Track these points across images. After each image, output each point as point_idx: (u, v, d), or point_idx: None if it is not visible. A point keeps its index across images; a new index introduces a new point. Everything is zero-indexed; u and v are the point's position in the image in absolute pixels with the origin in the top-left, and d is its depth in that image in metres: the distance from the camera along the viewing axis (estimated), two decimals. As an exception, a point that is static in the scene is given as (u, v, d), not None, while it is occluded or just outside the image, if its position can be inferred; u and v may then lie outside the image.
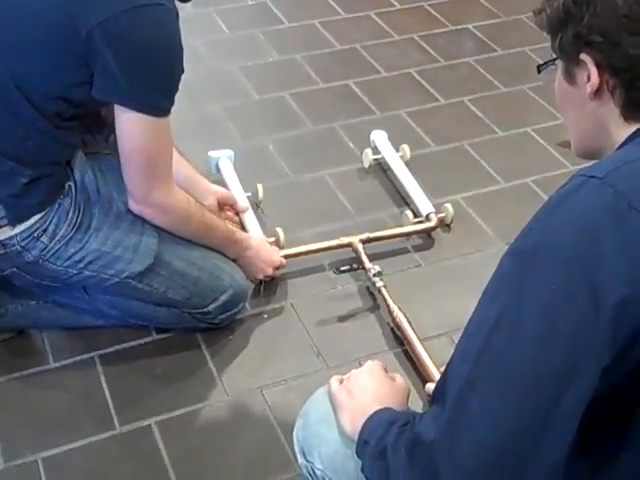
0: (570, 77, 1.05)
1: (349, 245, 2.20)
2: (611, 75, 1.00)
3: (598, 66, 1.00)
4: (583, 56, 1.01)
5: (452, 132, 2.69)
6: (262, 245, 2.09)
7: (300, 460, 1.29)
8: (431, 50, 3.15)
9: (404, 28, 3.28)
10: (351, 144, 2.65)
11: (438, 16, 3.35)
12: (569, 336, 0.87)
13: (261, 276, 2.07)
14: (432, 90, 2.93)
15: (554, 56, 1.08)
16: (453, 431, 0.89)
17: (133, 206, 1.77)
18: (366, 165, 2.54)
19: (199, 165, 2.51)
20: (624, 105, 1.01)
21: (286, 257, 2.17)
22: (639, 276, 0.87)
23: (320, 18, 3.33)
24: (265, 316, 2.07)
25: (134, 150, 1.70)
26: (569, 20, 1.02)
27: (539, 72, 1.12)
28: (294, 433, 1.32)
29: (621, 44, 0.98)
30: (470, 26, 3.27)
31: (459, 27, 3.26)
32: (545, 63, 1.10)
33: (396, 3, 3.45)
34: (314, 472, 1.25)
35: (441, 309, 2.09)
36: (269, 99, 2.87)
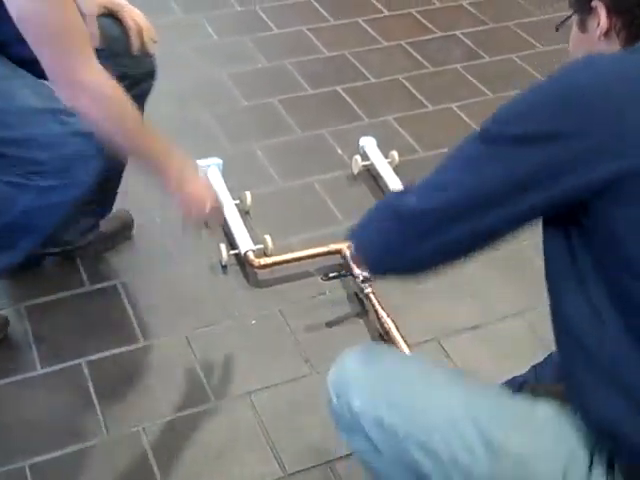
0: (583, 26, 1.21)
1: (338, 252, 2.21)
2: (617, 17, 1.15)
3: (607, 10, 1.15)
4: (595, 2, 1.16)
5: (440, 138, 2.70)
6: (198, 180, 1.82)
7: (335, 402, 1.24)
8: (419, 57, 3.16)
9: (392, 35, 3.29)
10: (340, 150, 2.66)
11: (426, 23, 3.36)
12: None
13: (197, 217, 1.79)
14: (420, 96, 2.94)
15: (570, 14, 1.23)
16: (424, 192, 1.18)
17: (59, 93, 1.61)
18: (355, 171, 2.55)
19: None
20: (626, 41, 1.16)
21: (274, 264, 2.17)
22: None
23: (309, 25, 3.34)
24: (253, 322, 2.08)
25: (25, 19, 1.54)
26: None
27: (557, 30, 1.28)
28: (328, 379, 1.27)
29: None
30: (458, 33, 3.29)
31: (447, 34, 3.28)
32: (562, 21, 1.25)
33: (384, 10, 3.46)
34: (350, 409, 1.21)
35: (429, 315, 2.10)
36: (258, 105, 2.87)
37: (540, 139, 1.04)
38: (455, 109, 2.85)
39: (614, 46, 1.17)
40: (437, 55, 3.16)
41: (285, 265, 2.20)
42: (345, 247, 2.18)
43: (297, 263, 2.20)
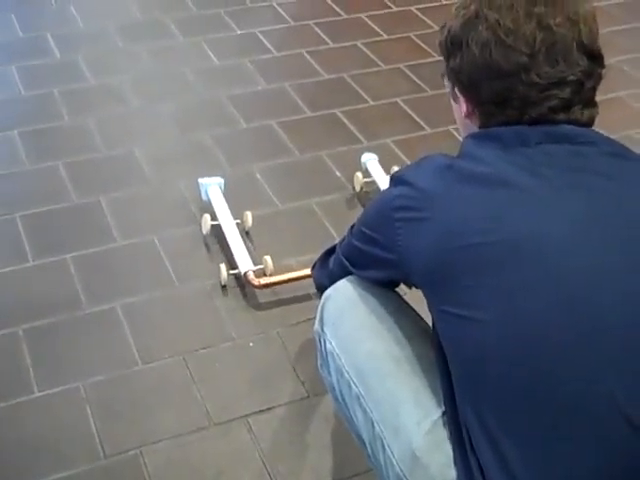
0: (453, 96, 1.35)
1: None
2: (475, 105, 1.28)
3: (467, 97, 1.29)
4: (457, 88, 1.31)
5: (438, 161, 2.71)
6: None
7: (316, 326, 1.51)
8: (417, 80, 3.18)
9: (391, 58, 3.32)
10: (338, 173, 2.67)
11: (424, 46, 3.39)
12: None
13: None
14: (418, 119, 2.96)
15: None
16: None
17: None
18: (357, 188, 2.55)
19: (187, 191, 2.54)
20: (481, 126, 1.29)
21: (274, 284, 2.18)
22: None
23: (308, 47, 3.36)
24: (251, 344, 2.08)
25: None
26: (449, 55, 1.30)
27: (442, 78, 1.37)
28: (321, 299, 1.53)
29: (480, 87, 1.25)
30: (437, 43, 3.30)
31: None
32: (442, 77, 1.37)
33: (383, 33, 3.48)
34: (324, 343, 1.48)
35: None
36: (257, 127, 2.89)
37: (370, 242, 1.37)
38: (453, 132, 2.86)
39: (475, 127, 1.31)
40: (435, 78, 3.13)
41: (284, 287, 2.20)
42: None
43: (297, 285, 2.20)
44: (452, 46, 1.29)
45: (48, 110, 2.93)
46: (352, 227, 1.50)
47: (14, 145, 2.74)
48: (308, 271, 2.20)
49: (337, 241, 1.63)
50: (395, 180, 1.31)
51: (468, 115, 1.32)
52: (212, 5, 3.63)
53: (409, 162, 2.72)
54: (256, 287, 2.18)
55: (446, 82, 1.36)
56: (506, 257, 1.13)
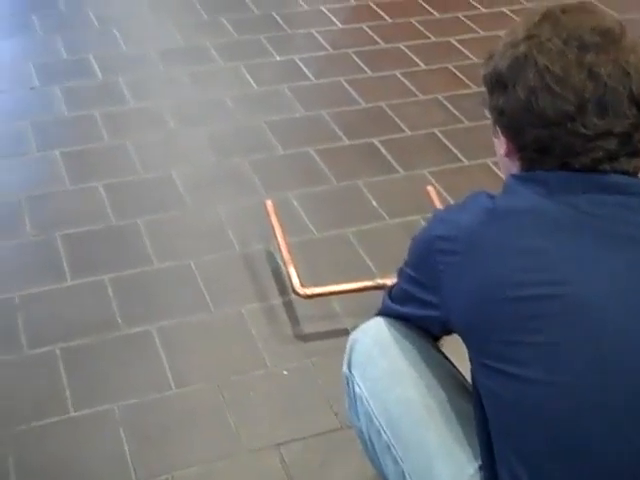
0: (494, 132, 1.31)
1: (383, 287, 2.20)
2: (516, 149, 1.25)
3: (508, 138, 1.26)
4: (498, 127, 1.27)
5: (475, 193, 2.71)
6: None
7: (344, 368, 1.51)
8: (455, 111, 3.19)
9: (429, 88, 3.33)
10: (375, 202, 2.68)
11: (463, 77, 3.40)
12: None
13: None
14: (455, 150, 2.96)
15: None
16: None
17: None
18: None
19: (223, 215, 2.56)
20: (521, 167, 1.27)
21: (319, 295, 2.20)
22: None
23: (346, 76, 3.38)
24: (285, 373, 2.08)
25: None
26: (492, 91, 1.27)
27: (483, 105, 1.34)
28: (350, 337, 1.53)
29: (523, 131, 1.22)
30: (481, 73, 3.31)
31: (483, 89, 3.30)
32: (483, 103, 1.33)
33: (421, 63, 3.50)
34: (353, 386, 1.47)
35: (462, 366, 2.08)
36: (294, 154, 2.91)
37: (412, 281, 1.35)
38: (491, 165, 2.86)
39: (514, 166, 1.28)
40: (473, 110, 3.18)
41: (320, 319, 2.20)
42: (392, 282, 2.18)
43: (330, 319, 2.21)
44: (497, 84, 1.26)
45: (89, 131, 2.97)
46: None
47: (56, 165, 2.78)
48: (353, 285, 2.22)
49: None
50: (438, 219, 1.31)
51: (508, 154, 1.29)
52: (252, 31, 3.67)
53: (445, 193, 2.73)
54: (302, 297, 2.19)
55: (486, 111, 1.34)
56: (549, 313, 1.11)
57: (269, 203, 2.45)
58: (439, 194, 2.62)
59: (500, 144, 1.31)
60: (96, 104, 3.11)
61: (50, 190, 2.68)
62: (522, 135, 1.23)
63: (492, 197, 1.25)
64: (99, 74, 3.29)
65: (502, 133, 1.28)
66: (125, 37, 3.56)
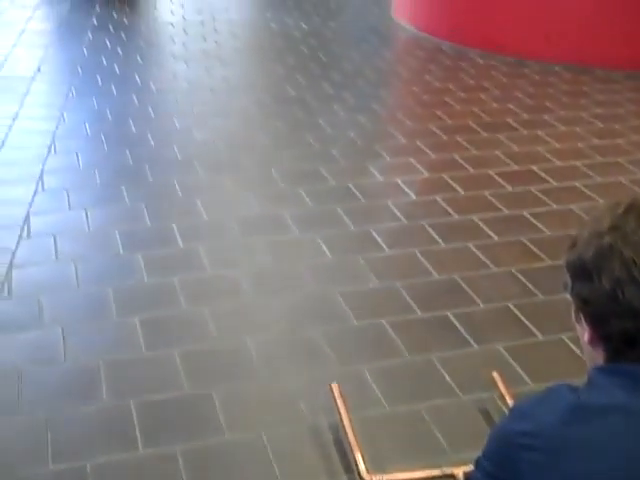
0: (576, 317, 1.26)
1: (451, 476, 2.15)
2: (601, 338, 1.21)
3: (592, 327, 1.22)
4: (582, 314, 1.23)
5: (551, 370, 2.66)
6: None
7: None
8: (529, 284, 3.18)
9: (502, 261, 3.35)
10: (448, 377, 2.65)
11: (536, 250, 3.41)
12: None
13: None
14: (530, 325, 2.94)
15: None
16: None
17: None
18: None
19: (296, 388, 2.55)
20: (605, 358, 1.22)
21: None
22: None
23: (420, 247, 3.44)
24: None
25: None
26: (576, 279, 1.24)
27: (564, 289, 1.30)
28: None
29: (609, 322, 1.18)
30: (564, 258, 3.31)
31: (558, 262, 3.30)
32: (565, 288, 1.28)
33: (494, 236, 3.54)
34: None
35: None
36: (367, 326, 2.92)
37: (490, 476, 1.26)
38: (567, 341, 2.82)
39: (598, 355, 1.24)
40: (548, 284, 3.17)
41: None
42: (460, 471, 2.12)
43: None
44: (581, 273, 1.24)
45: (167, 298, 3.06)
46: None
47: (134, 331, 2.85)
48: (421, 474, 2.17)
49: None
50: (518, 413, 1.29)
51: (592, 343, 1.26)
52: (329, 201, 3.79)
53: (520, 370, 2.69)
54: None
55: (568, 296, 1.30)
56: None
57: (335, 386, 2.43)
58: (511, 372, 2.59)
59: (583, 330, 1.28)
60: (176, 271, 3.21)
61: (127, 356, 2.74)
62: (607, 325, 1.21)
63: (574, 390, 1.22)
64: (180, 242, 3.42)
65: (586, 321, 1.25)
66: (206, 206, 3.71)
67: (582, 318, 1.26)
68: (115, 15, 6.90)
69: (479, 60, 5.86)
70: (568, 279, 1.29)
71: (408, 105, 5.09)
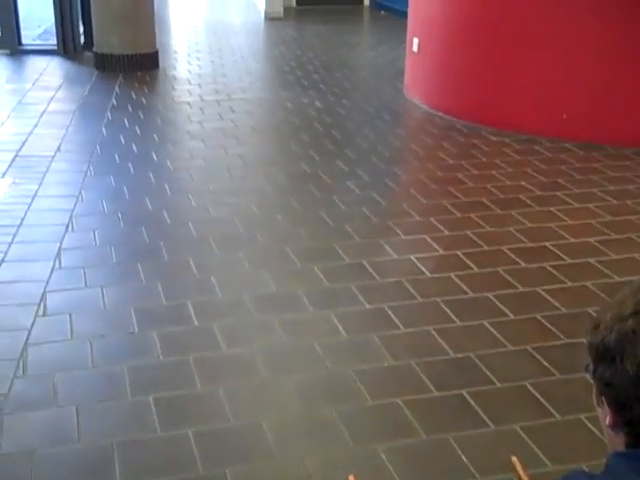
0: (598, 400, 1.24)
1: None
2: (623, 422, 1.20)
3: (613, 411, 1.20)
4: (604, 397, 1.21)
5: (570, 452, 2.63)
6: None
7: None
8: (546, 363, 3.16)
9: (518, 339, 3.33)
10: (465, 458, 2.62)
11: (552, 328, 3.39)
12: None
13: None
14: (547, 405, 2.91)
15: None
16: None
17: None
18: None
19: (310, 467, 2.52)
20: (627, 444, 1.20)
21: None
22: None
23: (435, 325, 3.43)
24: None
25: None
26: (598, 362, 1.22)
27: (586, 371, 1.28)
28: None
29: (632, 406, 1.17)
30: (585, 340, 3.29)
31: (574, 340, 3.29)
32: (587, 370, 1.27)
33: (510, 313, 3.53)
34: None
35: None
36: (383, 405, 2.90)
37: None
38: (585, 421, 2.79)
39: (619, 439, 1.23)
40: (564, 362, 3.15)
41: None
42: None
43: None
44: (603, 356, 1.23)
45: (182, 376, 3.05)
46: None
47: (148, 410, 2.84)
48: None
49: None
50: None
51: (613, 426, 1.24)
52: (343, 279, 3.80)
53: (538, 451, 2.66)
54: None
55: (590, 378, 1.29)
56: None
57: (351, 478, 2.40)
58: (528, 453, 2.55)
59: (604, 414, 1.26)
60: (190, 350, 3.21)
61: (141, 436, 2.72)
62: (630, 410, 1.20)
63: (592, 478, 1.21)
64: (195, 320, 3.43)
65: (607, 404, 1.24)
66: (221, 284, 3.73)
67: (604, 401, 1.26)
68: (134, 95, 7.06)
69: (492, 137, 5.94)
70: (590, 361, 1.29)
71: (422, 182, 5.14)
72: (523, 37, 5.86)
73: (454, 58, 6.34)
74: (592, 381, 1.29)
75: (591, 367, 1.28)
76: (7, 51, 8.47)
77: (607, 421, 1.25)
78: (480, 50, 6.15)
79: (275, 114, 6.86)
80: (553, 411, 2.87)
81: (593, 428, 2.75)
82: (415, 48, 6.82)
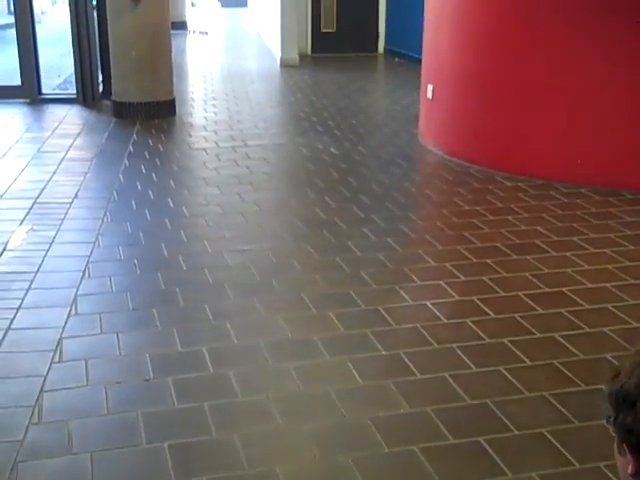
0: (619, 449, 1.25)
1: None
2: None
3: (636, 458, 1.21)
4: (626, 445, 1.22)
5: (589, 501, 2.59)
6: None
7: None
8: (564, 409, 3.13)
9: (535, 385, 3.30)
10: (482, 507, 2.59)
11: (570, 374, 3.36)
12: None
13: None
14: (566, 452, 2.87)
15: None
16: None
17: None
18: None
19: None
20: None
21: None
22: None
23: (451, 371, 3.40)
24: None
25: None
26: (619, 409, 1.24)
27: (606, 422, 1.28)
28: None
29: None
30: (604, 387, 3.26)
31: (591, 387, 3.25)
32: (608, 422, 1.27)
33: (526, 359, 3.50)
34: None
35: None
36: (399, 453, 2.87)
37: None
38: (603, 469, 2.75)
39: None
40: (582, 409, 3.12)
41: None
42: None
43: None
44: (624, 403, 1.25)
45: (197, 423, 3.04)
46: None
47: (163, 457, 2.83)
48: None
49: None
50: None
51: (636, 475, 1.25)
52: (359, 325, 3.79)
53: (557, 500, 2.62)
54: None
55: (611, 429, 1.30)
56: None
57: None
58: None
59: (627, 463, 1.27)
60: (206, 397, 3.20)
61: (155, 484, 2.71)
62: None
63: None
64: (210, 367, 3.42)
65: (630, 452, 1.25)
66: (237, 331, 3.73)
67: (626, 450, 1.25)
68: (151, 142, 7.14)
69: (507, 183, 5.95)
70: (611, 410, 1.29)
71: (437, 227, 5.15)
72: (537, 84, 5.90)
73: (468, 104, 6.39)
74: (613, 431, 1.28)
75: (612, 416, 1.27)
76: (28, 100, 8.62)
77: (630, 470, 1.24)
78: (493, 97, 6.20)
79: (291, 160, 6.91)
80: (571, 459, 2.83)
81: (612, 476, 2.71)
82: (429, 95, 6.88)
